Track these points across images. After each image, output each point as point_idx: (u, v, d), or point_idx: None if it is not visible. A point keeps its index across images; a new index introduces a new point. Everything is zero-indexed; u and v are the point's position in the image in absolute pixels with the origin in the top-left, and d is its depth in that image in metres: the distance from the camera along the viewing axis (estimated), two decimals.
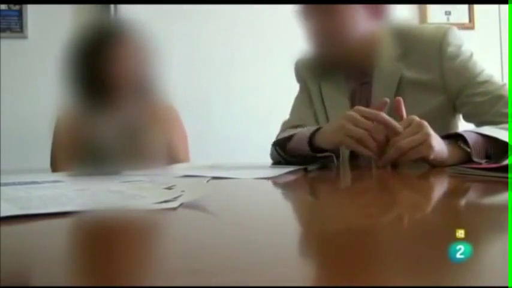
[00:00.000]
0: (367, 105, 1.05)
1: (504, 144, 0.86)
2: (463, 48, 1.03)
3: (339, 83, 1.13)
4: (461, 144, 0.86)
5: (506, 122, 0.95)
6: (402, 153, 0.82)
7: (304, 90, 1.23)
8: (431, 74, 1.03)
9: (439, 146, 0.82)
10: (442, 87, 1.03)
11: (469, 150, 0.84)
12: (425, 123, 0.82)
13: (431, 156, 0.81)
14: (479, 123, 1.02)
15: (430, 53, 1.03)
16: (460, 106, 1.05)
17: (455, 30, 1.05)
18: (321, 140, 0.94)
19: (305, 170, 0.85)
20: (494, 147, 0.87)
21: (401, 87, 1.03)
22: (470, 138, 0.85)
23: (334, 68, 1.13)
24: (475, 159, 0.84)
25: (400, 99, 0.90)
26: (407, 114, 0.89)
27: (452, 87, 1.03)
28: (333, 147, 0.94)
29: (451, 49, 1.02)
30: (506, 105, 0.99)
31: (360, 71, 1.09)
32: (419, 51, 1.04)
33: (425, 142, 0.81)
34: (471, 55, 1.04)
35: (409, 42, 1.05)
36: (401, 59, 1.05)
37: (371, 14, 1.04)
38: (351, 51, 1.05)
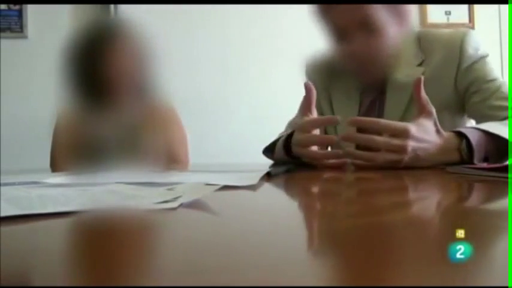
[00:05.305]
0: (382, 112, 1.09)
1: (505, 142, 0.86)
2: (480, 52, 1.07)
3: (352, 91, 1.15)
4: (463, 152, 0.85)
5: (495, 117, 0.98)
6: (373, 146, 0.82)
7: None
8: (449, 70, 1.06)
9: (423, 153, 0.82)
10: (454, 84, 1.06)
11: (465, 158, 0.84)
12: (413, 130, 0.81)
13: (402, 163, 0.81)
14: (476, 119, 1.06)
15: (450, 52, 1.06)
16: (465, 103, 1.08)
17: (474, 33, 1.09)
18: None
19: (268, 174, 0.74)
20: (494, 146, 0.87)
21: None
22: (473, 139, 0.84)
23: (355, 80, 1.14)
24: (476, 163, 0.84)
25: (421, 78, 0.88)
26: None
27: (462, 86, 1.06)
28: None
29: (471, 50, 1.06)
30: (497, 99, 1.02)
31: (380, 81, 1.10)
32: (440, 50, 1.07)
33: (403, 149, 0.80)
34: (487, 55, 1.08)
35: (430, 45, 1.09)
36: (423, 64, 1.08)
37: (398, 24, 1.05)
38: (382, 65, 1.07)
